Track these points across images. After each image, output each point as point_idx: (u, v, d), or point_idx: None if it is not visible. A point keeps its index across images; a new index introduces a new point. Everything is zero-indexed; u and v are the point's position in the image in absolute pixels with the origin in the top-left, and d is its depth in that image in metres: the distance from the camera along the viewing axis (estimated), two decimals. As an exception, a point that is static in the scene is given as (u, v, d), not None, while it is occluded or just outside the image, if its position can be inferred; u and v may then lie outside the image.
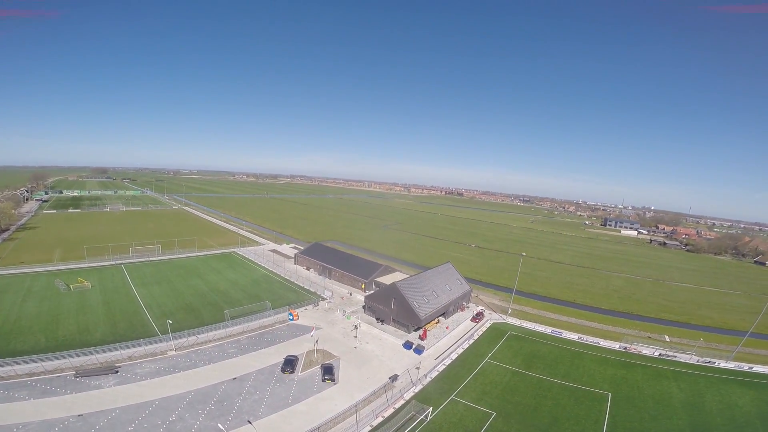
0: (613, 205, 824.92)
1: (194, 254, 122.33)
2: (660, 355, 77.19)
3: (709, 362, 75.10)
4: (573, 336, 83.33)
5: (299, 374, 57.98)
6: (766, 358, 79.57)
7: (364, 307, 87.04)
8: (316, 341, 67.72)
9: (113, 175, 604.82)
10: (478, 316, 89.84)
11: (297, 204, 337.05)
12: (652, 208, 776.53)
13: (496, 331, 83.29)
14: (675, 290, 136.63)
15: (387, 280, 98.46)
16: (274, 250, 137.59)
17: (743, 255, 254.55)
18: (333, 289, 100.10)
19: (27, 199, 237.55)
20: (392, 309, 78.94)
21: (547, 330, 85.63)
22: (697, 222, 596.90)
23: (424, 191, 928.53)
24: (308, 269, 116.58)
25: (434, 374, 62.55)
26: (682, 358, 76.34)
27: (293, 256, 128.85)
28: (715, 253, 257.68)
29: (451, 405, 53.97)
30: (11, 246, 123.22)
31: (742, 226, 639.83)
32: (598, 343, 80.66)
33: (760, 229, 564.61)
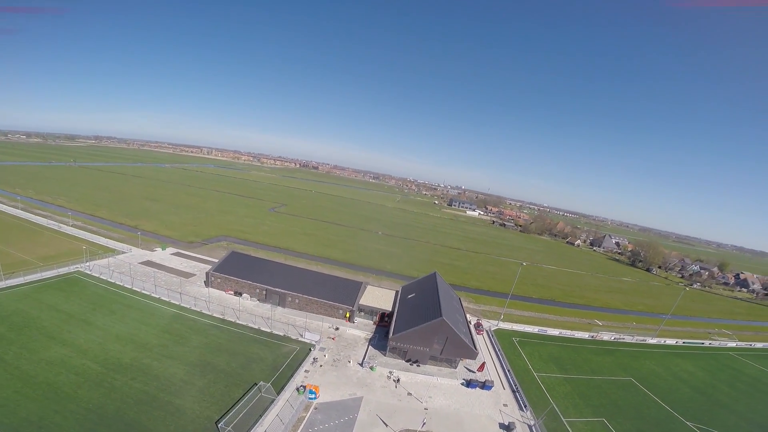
0: (435, 184, 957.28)
1: (0, 284, 67.85)
2: (615, 338, 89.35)
3: (642, 340, 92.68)
4: (554, 332, 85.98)
5: None
6: (674, 333, 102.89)
7: (370, 346, 66.57)
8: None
9: None
10: (478, 327, 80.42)
11: (130, 177, 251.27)
12: (463, 187, 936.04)
13: (505, 341, 78.11)
14: (552, 273, 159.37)
15: (371, 300, 78.15)
16: (148, 262, 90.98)
17: (555, 235, 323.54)
18: (304, 324, 71.04)
19: None
20: (434, 347, 62.21)
21: (534, 329, 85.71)
22: (510, 203, 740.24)
23: (277, 162, 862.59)
24: (238, 294, 79.76)
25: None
26: (627, 339, 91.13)
27: (196, 272, 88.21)
28: (539, 233, 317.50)
29: (572, 427, 52.80)
30: None
31: (544, 207, 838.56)
32: (574, 335, 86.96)
33: (552, 211, 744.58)
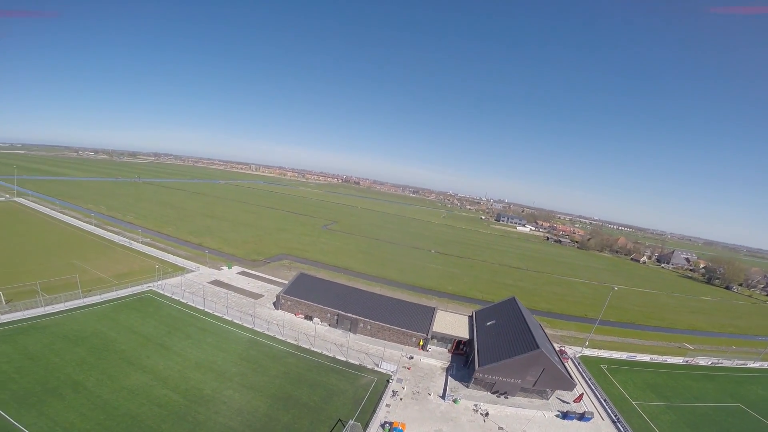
0: (478, 198, 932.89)
1: (80, 303, 66.18)
2: (712, 363, 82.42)
3: (743, 364, 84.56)
4: (645, 357, 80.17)
5: None
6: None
7: (448, 376, 62.07)
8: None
9: None
10: (562, 354, 72.67)
11: (189, 194, 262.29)
12: (506, 200, 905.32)
13: (593, 369, 71.96)
14: (624, 294, 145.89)
15: (444, 327, 73.15)
16: (216, 281, 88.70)
17: (616, 251, 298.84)
18: (377, 352, 65.80)
19: None
20: (527, 379, 57.06)
21: (623, 355, 79.43)
22: (561, 217, 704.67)
23: (320, 178, 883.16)
24: (309, 318, 75.26)
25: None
26: (725, 363, 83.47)
27: (264, 293, 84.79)
28: (598, 250, 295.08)
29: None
30: None
31: (596, 220, 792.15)
32: (666, 360, 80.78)
33: (604, 225, 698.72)
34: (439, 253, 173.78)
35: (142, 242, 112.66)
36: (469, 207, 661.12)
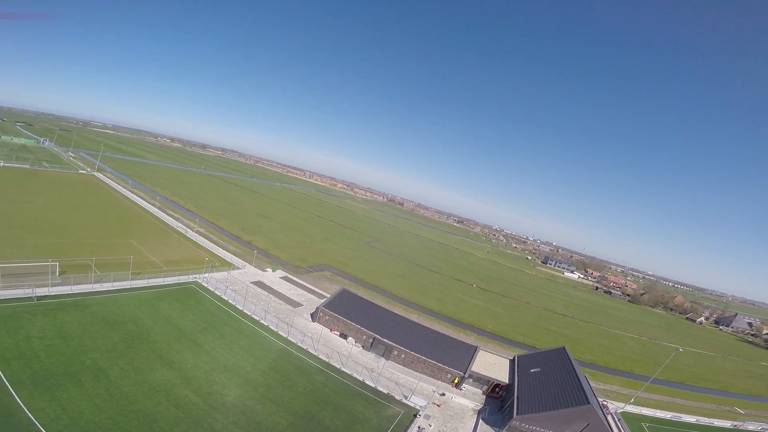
0: (524, 237, 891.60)
1: (127, 285, 66.92)
2: (762, 429, 77.28)
3: None
4: (690, 419, 75.78)
5: None
6: None
7: (480, 419, 57.87)
8: None
9: (4, 116, 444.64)
10: (604, 409, 65.95)
11: (246, 191, 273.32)
12: (554, 243, 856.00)
13: (633, 426, 67.26)
14: (678, 353, 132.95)
15: (483, 367, 68.99)
16: (258, 282, 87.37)
17: (671, 309, 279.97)
18: (408, 383, 61.84)
19: None
20: None
21: (667, 415, 74.79)
22: (613, 268, 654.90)
23: (367, 194, 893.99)
24: (344, 337, 71.76)
25: None
26: None
27: (303, 303, 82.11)
28: (651, 306, 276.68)
29: None
30: None
31: (649, 275, 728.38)
32: (712, 423, 76.78)
33: (659, 281, 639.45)
34: (481, 288, 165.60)
35: (196, 231, 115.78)
36: (515, 245, 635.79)
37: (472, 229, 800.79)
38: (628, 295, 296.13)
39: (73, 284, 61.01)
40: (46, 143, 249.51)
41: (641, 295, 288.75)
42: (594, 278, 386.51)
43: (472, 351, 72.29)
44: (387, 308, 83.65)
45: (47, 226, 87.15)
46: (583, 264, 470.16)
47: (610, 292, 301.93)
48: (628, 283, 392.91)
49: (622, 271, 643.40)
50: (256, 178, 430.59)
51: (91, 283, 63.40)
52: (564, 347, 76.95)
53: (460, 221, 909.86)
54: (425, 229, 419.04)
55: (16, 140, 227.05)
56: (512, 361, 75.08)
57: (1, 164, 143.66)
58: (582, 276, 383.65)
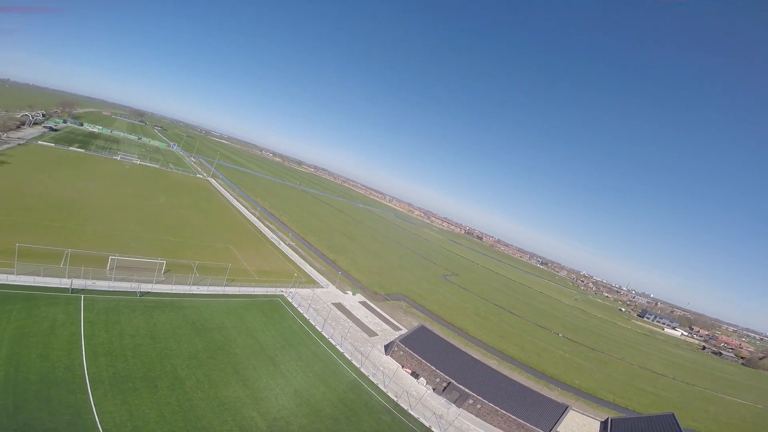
0: (617, 286, 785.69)
1: (220, 291, 70.38)
2: None
3: None
4: None
5: None
6: None
7: None
8: None
9: (148, 120, 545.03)
10: None
11: (334, 209, 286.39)
12: (652, 295, 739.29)
13: None
14: None
15: (566, 428, 64.14)
16: (338, 305, 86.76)
17: None
18: None
19: (33, 124, 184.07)
20: None
21: None
22: (724, 327, 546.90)
23: (444, 223, 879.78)
24: (415, 376, 67.14)
25: None
26: None
27: (378, 333, 79.24)
28: None
29: None
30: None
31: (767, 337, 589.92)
32: None
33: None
34: (568, 339, 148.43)
35: (288, 245, 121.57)
36: (606, 294, 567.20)
37: (557, 272, 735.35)
38: (742, 357, 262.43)
39: (174, 284, 65.16)
40: (175, 147, 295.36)
41: (760, 359, 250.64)
42: (701, 337, 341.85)
43: (560, 410, 63.69)
44: (464, 350, 77.51)
45: (163, 223, 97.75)
46: (688, 320, 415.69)
47: (721, 353, 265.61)
48: (742, 344, 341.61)
49: (735, 331, 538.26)
50: (343, 198, 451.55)
51: (189, 284, 67.19)
52: (673, 414, 69.22)
53: (544, 263, 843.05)
54: (505, 268, 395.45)
55: (152, 143, 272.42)
56: (603, 424, 69.39)
57: (138, 162, 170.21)
58: (686, 334, 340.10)
